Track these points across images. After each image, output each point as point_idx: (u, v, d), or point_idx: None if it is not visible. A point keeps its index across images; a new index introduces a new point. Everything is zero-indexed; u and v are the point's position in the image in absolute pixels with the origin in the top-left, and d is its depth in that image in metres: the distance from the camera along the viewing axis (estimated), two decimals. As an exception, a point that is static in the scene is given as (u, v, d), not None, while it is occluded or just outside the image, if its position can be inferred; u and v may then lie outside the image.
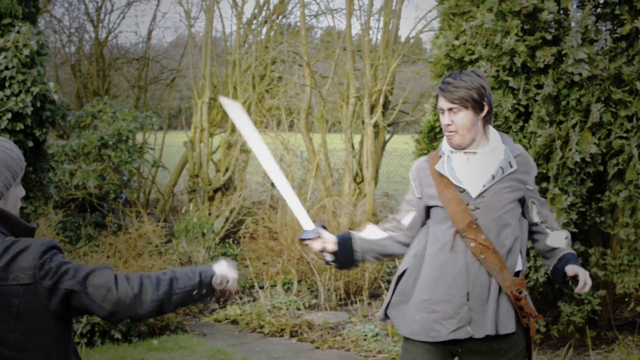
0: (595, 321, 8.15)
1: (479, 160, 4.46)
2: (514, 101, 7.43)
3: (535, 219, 4.60)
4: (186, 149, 15.19)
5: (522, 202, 4.54)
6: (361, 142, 13.06)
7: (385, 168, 17.84)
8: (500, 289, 4.39)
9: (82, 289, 3.24)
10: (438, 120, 8.03)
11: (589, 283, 4.44)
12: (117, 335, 8.81)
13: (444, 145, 4.55)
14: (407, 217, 4.68)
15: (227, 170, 14.45)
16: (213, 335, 9.50)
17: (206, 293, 3.58)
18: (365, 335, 9.01)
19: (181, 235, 12.17)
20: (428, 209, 4.60)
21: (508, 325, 4.40)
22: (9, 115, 8.45)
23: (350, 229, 11.01)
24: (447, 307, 4.39)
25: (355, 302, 10.37)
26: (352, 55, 12.89)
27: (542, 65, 7.37)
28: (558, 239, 4.65)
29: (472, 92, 4.37)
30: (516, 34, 7.36)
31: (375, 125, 12.64)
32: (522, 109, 7.49)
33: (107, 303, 3.26)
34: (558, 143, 7.29)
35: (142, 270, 9.05)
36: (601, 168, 7.49)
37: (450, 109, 4.40)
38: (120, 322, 3.42)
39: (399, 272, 4.68)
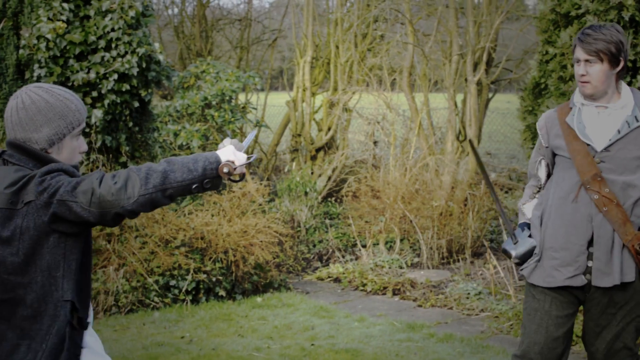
0: None
1: (609, 115, 4.53)
2: (622, 56, 7.26)
3: None
4: (288, 109, 15.24)
5: None
6: (464, 100, 12.93)
7: (488, 127, 17.69)
8: None
9: (71, 198, 3.18)
10: (543, 76, 7.90)
11: None
12: (222, 293, 8.95)
13: (576, 96, 4.63)
14: (542, 169, 4.83)
15: (329, 129, 14.45)
16: (316, 293, 9.58)
17: (212, 185, 3.35)
18: (468, 293, 8.98)
19: (284, 194, 12.26)
20: (554, 156, 4.73)
21: (629, 274, 4.49)
22: (115, 76, 8.57)
23: (452, 187, 10.95)
24: (565, 254, 4.52)
25: (458, 261, 10.33)
26: (455, 12, 12.74)
27: (651, 19, 7.19)
28: None
29: (610, 45, 4.43)
30: (624, -13, 7.19)
31: (479, 83, 12.50)
32: (629, 64, 7.33)
33: (93, 206, 3.17)
34: (667, 98, 7.12)
35: (246, 228, 9.17)
36: None
37: (586, 60, 4.46)
38: (117, 222, 3.19)
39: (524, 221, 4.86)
